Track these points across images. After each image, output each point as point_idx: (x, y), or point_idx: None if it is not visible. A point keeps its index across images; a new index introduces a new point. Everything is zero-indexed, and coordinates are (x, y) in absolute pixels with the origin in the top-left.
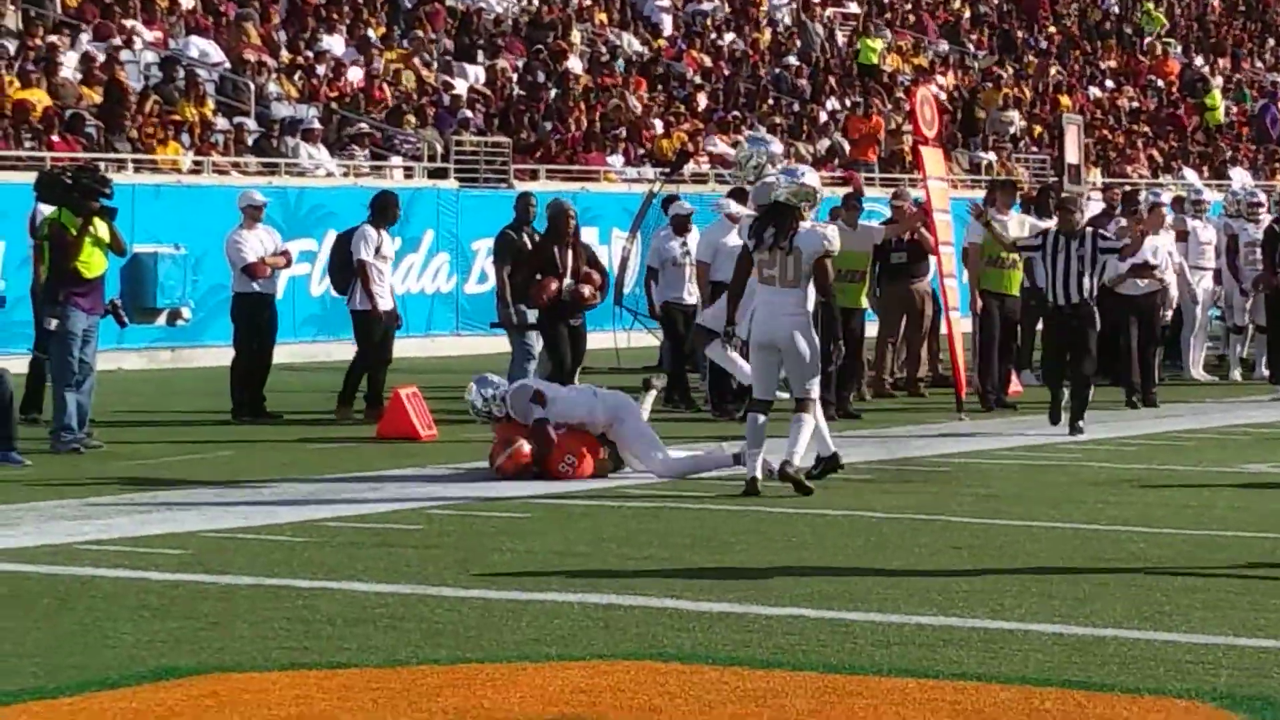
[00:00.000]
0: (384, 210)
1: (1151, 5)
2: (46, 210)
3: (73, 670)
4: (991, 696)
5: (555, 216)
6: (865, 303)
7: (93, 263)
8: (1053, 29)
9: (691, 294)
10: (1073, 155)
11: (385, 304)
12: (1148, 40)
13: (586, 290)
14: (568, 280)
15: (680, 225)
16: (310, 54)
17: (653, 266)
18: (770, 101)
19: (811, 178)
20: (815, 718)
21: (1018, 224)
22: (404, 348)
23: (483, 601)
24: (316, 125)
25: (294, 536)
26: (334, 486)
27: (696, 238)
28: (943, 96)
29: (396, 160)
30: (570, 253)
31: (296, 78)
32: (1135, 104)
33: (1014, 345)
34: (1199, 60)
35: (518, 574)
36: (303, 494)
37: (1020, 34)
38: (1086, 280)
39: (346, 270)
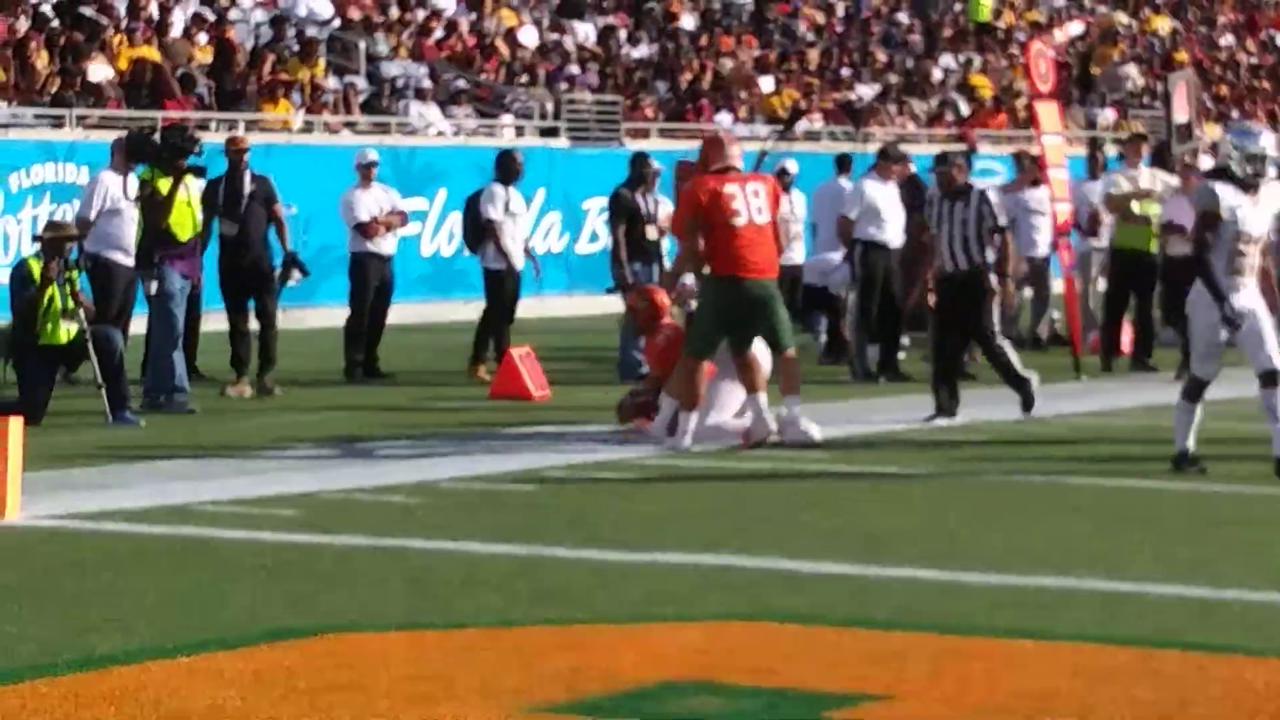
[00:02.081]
0: (507, 167)
1: None
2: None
3: (190, 630)
4: (1111, 658)
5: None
6: None
7: (186, 223)
8: None
9: (796, 254)
10: (1181, 114)
11: (517, 262)
12: None
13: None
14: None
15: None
16: (421, 12)
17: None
18: (883, 58)
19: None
20: (933, 679)
21: (1149, 177)
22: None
23: (597, 562)
24: (427, 84)
25: (408, 497)
26: (448, 447)
27: (794, 196)
28: (1051, 54)
29: (508, 119)
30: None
31: (406, 36)
32: (1254, 59)
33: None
34: None
35: (632, 535)
36: (417, 454)
37: None
38: (974, 245)
39: (479, 229)
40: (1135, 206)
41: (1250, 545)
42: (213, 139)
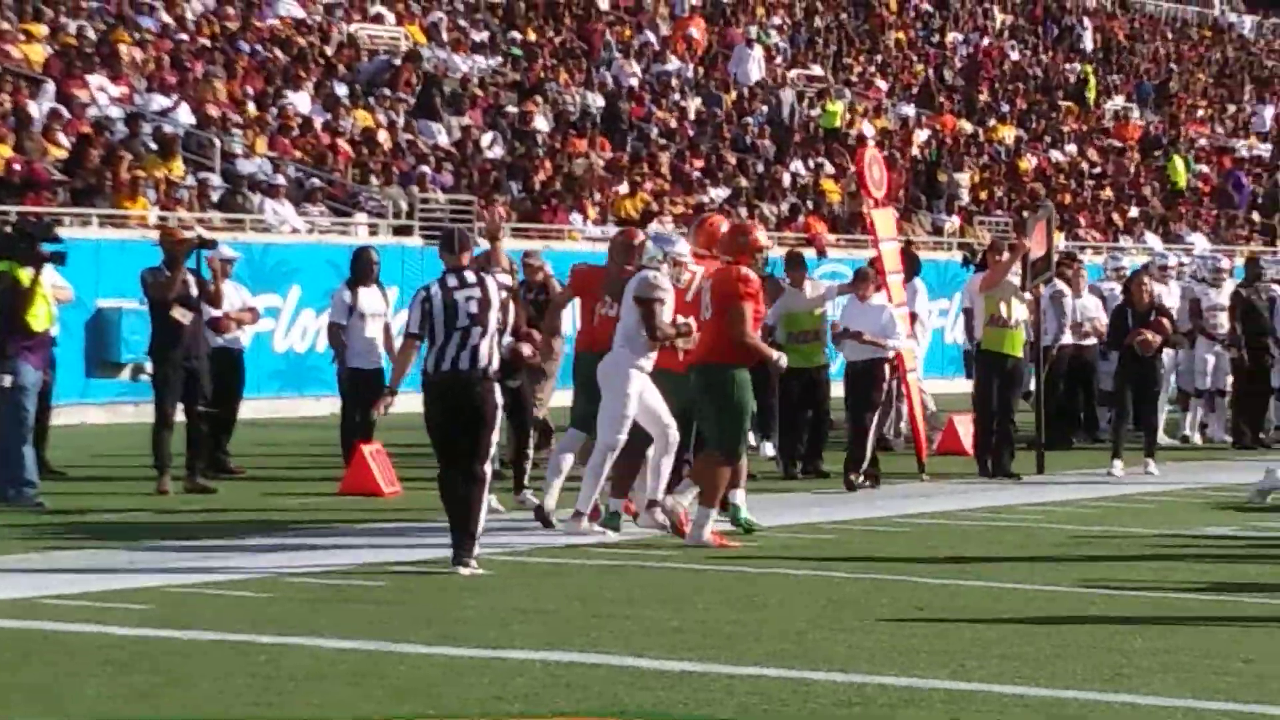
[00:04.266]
0: (355, 267)
1: (1090, 68)
2: None
3: None
4: None
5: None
6: (818, 360)
7: (42, 315)
8: (1021, 87)
9: None
10: (1038, 249)
11: (365, 363)
12: (1107, 106)
13: (526, 349)
14: (507, 338)
15: None
16: (276, 110)
17: None
18: (733, 162)
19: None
20: None
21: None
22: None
23: (446, 658)
24: (281, 181)
25: (257, 592)
26: (297, 542)
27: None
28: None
29: (362, 217)
30: (514, 308)
31: (262, 134)
32: (1097, 168)
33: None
34: (1159, 123)
35: (481, 631)
36: (266, 549)
37: (983, 97)
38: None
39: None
40: (1004, 310)
41: (1087, 645)
42: (67, 233)
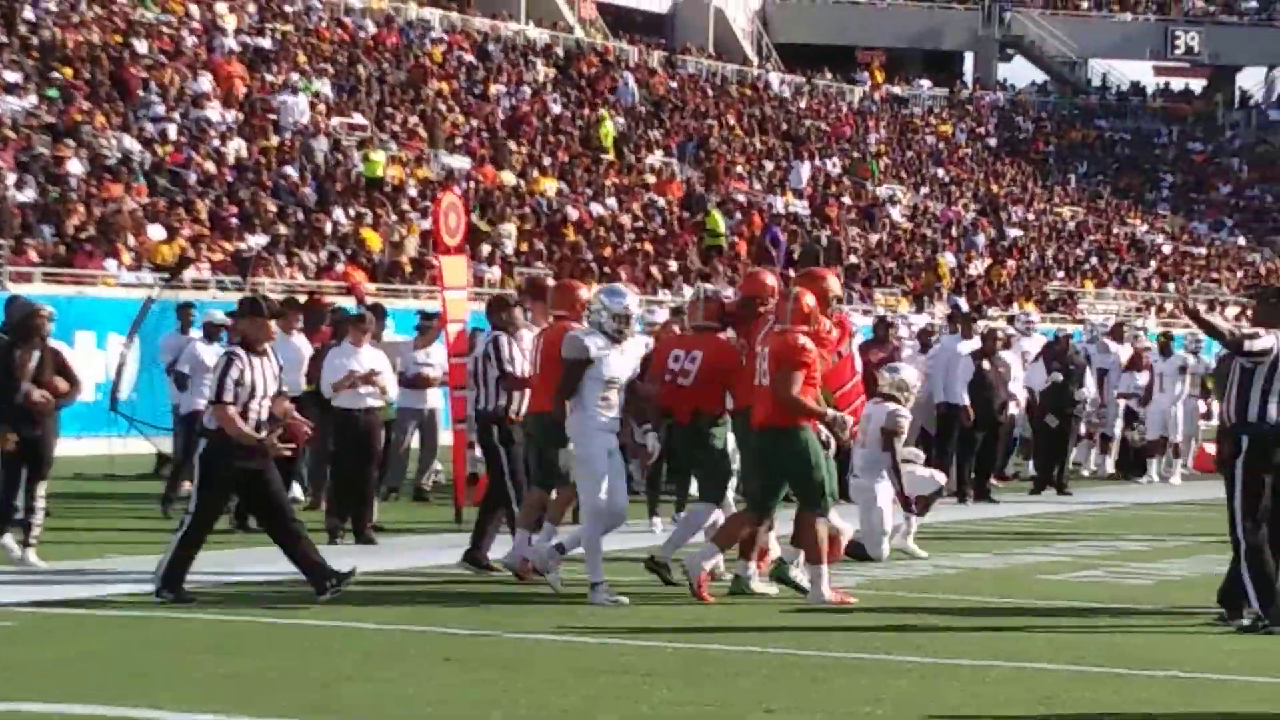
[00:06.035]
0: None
1: (606, 113)
2: None
3: None
4: None
5: (24, 318)
6: None
7: None
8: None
9: None
10: None
11: None
12: (648, 160)
13: (37, 395)
14: (25, 385)
15: (212, 332)
16: None
17: (183, 372)
18: (273, 209)
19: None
20: None
21: None
22: None
23: None
24: None
25: None
26: None
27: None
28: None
29: None
30: (36, 356)
31: None
32: (639, 222)
33: None
34: (699, 179)
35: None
36: None
37: (525, 149)
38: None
39: None
40: None
41: (616, 694)
42: None
